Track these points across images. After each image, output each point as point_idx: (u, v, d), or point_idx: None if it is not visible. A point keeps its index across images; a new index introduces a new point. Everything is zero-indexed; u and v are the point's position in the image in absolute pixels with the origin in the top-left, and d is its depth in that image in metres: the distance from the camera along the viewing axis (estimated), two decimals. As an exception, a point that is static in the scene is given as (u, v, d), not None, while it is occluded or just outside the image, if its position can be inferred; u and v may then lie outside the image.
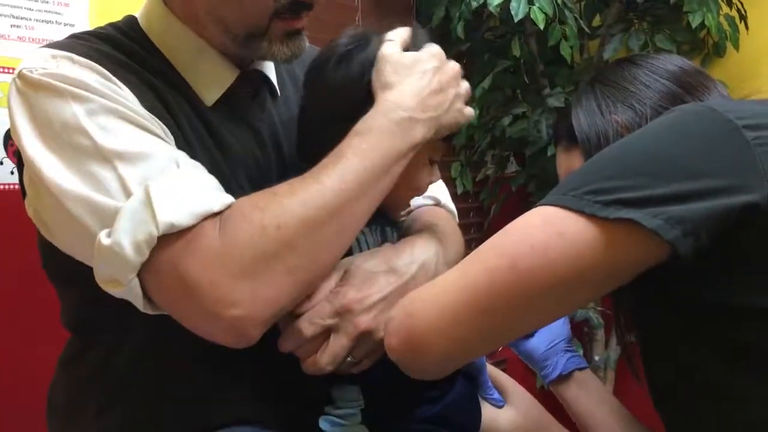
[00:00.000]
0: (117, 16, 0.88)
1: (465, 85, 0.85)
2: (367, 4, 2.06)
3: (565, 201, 0.67)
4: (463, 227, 0.97)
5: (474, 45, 2.13)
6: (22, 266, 0.94)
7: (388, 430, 0.81)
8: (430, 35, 0.86)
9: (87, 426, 0.83)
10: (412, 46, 0.82)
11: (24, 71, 0.75)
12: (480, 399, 0.91)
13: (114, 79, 0.75)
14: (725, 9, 1.95)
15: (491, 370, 0.94)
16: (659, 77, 0.87)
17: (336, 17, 1.91)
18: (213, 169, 0.79)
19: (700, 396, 0.71)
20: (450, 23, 2.02)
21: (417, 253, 0.81)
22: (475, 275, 0.69)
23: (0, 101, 1.26)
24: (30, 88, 0.74)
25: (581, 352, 2.10)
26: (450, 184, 2.25)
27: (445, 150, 0.87)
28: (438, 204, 0.99)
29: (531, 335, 1.06)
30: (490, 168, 2.27)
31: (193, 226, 0.68)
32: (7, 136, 1.29)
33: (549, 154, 1.92)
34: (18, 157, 0.78)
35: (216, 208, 0.70)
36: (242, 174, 0.84)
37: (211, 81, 0.84)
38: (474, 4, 1.87)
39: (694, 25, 1.87)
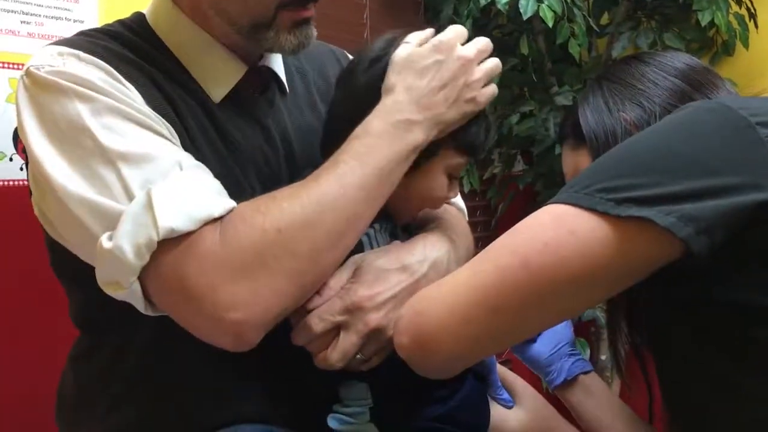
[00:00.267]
0: (126, 13, 0.88)
1: (486, 66, 0.81)
2: (375, 2, 2.05)
3: (576, 199, 0.66)
4: (470, 226, 0.96)
5: (482, 43, 2.12)
6: (34, 262, 0.94)
7: (397, 429, 0.81)
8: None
9: (94, 426, 0.83)
10: None
11: (31, 68, 0.75)
12: (489, 399, 0.90)
13: (120, 77, 0.75)
14: (735, 7, 1.93)
15: (501, 370, 0.93)
16: (667, 75, 0.87)
17: (344, 14, 1.91)
18: (221, 166, 0.79)
19: (709, 394, 0.71)
20: (458, 21, 2.01)
21: (429, 251, 0.80)
22: (485, 274, 0.68)
23: (9, 97, 1.27)
24: (36, 85, 0.74)
25: (588, 351, 2.10)
26: (457, 182, 2.23)
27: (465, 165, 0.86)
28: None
29: (534, 340, 1.05)
30: (498, 166, 2.25)
31: (194, 231, 0.68)
32: (17, 133, 1.29)
33: (556, 152, 1.90)
34: (26, 154, 0.78)
35: (217, 213, 0.70)
36: (251, 170, 0.84)
37: (219, 77, 0.84)
38: (482, 2, 1.86)
39: (703, 24, 1.85)
